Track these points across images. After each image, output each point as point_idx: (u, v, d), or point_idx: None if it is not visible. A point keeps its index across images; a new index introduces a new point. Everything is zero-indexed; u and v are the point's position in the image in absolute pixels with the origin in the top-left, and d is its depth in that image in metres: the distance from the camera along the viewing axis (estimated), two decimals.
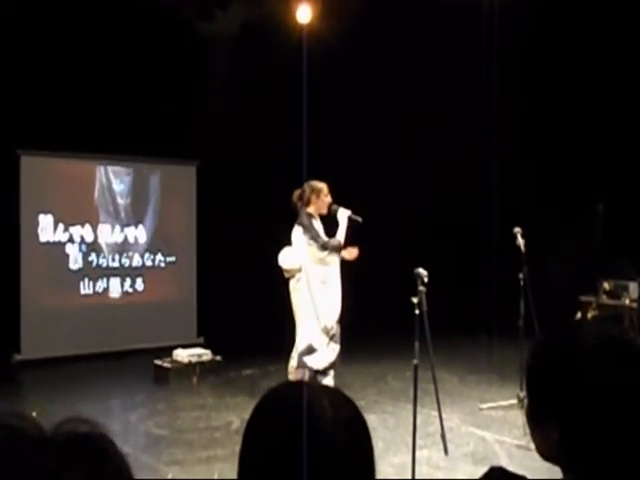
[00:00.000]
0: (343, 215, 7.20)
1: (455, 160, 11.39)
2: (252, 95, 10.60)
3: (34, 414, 0.93)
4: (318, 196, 7.17)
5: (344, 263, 7.28)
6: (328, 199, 7.22)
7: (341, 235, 7.14)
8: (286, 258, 7.25)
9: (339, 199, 7.35)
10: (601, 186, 10.85)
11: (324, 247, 7.04)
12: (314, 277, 7.07)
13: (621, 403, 1.28)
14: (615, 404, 1.28)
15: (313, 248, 7.05)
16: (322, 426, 1.13)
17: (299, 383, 1.27)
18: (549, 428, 1.34)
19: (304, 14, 9.35)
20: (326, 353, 7.10)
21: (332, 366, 7.18)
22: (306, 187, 7.15)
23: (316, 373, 7.02)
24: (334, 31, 9.51)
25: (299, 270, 7.16)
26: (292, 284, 7.28)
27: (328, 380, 7.06)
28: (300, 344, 7.10)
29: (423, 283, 5.50)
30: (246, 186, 10.83)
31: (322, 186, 7.21)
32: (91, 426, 0.91)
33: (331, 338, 7.11)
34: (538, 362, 1.42)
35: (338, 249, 7.11)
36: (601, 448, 1.29)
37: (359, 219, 7.17)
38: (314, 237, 7.05)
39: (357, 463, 1.16)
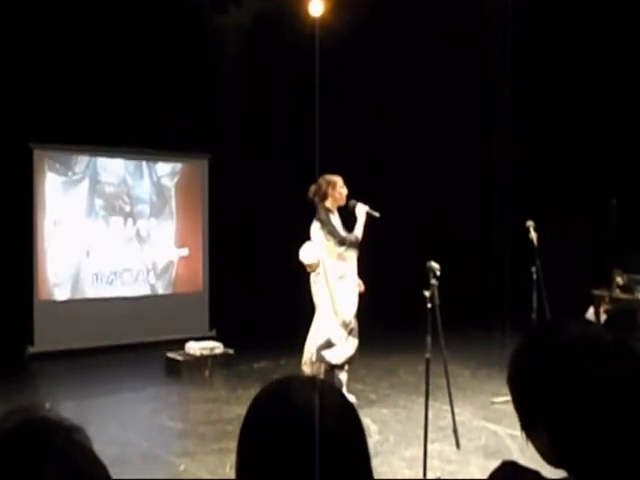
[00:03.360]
0: (361, 210, 7.18)
1: (469, 153, 11.35)
2: (264, 88, 10.60)
3: (47, 406, 0.94)
4: (334, 188, 7.15)
5: (359, 257, 7.26)
6: (344, 190, 7.20)
7: (359, 230, 7.12)
8: (306, 253, 7.24)
9: (351, 193, 7.33)
10: (615, 180, 10.79)
11: (342, 242, 7.03)
12: (332, 272, 7.06)
13: (603, 401, 1.28)
14: (597, 402, 1.28)
15: (331, 243, 7.05)
16: (308, 413, 1.14)
17: (293, 377, 1.28)
18: (539, 432, 1.34)
19: (316, 7, 9.30)
20: (345, 348, 7.09)
21: (350, 360, 7.18)
22: (321, 181, 7.13)
23: (332, 367, 7.02)
24: (346, 24, 9.48)
25: (319, 265, 7.15)
26: (312, 278, 7.28)
27: (343, 375, 7.06)
28: (319, 338, 7.08)
29: (435, 276, 5.48)
30: (258, 179, 10.82)
31: (337, 178, 7.19)
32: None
33: (349, 332, 7.10)
34: (518, 369, 1.42)
35: (356, 245, 7.10)
36: (590, 447, 1.29)
37: (377, 214, 7.15)
38: (332, 232, 7.04)
39: (351, 453, 1.17)
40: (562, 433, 1.31)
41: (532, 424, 1.37)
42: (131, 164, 10.90)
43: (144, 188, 11.02)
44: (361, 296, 7.23)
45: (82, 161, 10.45)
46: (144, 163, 11.00)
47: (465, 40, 10.19)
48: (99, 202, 10.59)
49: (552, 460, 1.36)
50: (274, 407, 1.18)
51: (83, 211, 10.44)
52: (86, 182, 10.47)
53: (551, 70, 11.14)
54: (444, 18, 10.23)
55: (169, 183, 11.27)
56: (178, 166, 11.33)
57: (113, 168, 10.74)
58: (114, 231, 10.72)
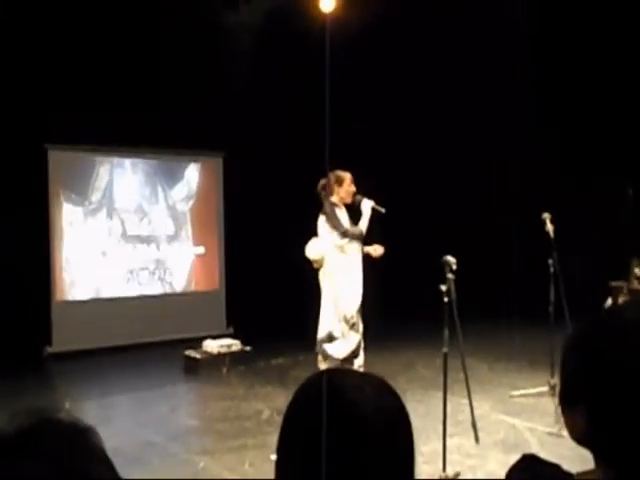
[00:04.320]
0: (367, 205, 7.17)
1: (483, 145, 11.31)
2: (276, 85, 10.59)
3: (67, 406, 0.94)
4: (341, 185, 7.15)
5: (371, 256, 7.24)
6: (352, 188, 7.18)
7: (363, 224, 7.10)
8: (310, 248, 7.25)
9: (364, 188, 7.32)
10: (631, 170, 10.72)
11: (344, 235, 7.01)
12: (335, 266, 7.06)
13: None
14: None
15: (334, 236, 7.05)
16: (362, 410, 1.12)
17: (342, 370, 1.27)
18: (579, 412, 1.33)
19: (327, 3, 9.28)
20: (346, 342, 7.09)
21: (354, 355, 7.16)
22: (331, 176, 7.14)
23: (341, 363, 7.01)
24: (358, 20, 9.45)
25: (324, 259, 7.15)
26: (320, 274, 7.28)
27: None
28: (320, 332, 7.11)
29: (451, 270, 5.46)
30: (272, 176, 10.83)
31: (346, 175, 7.18)
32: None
33: (351, 327, 7.09)
34: (574, 346, 1.41)
35: (359, 238, 7.08)
36: (628, 436, 1.27)
37: (382, 210, 7.13)
38: (335, 225, 7.04)
39: (396, 451, 1.15)
40: (602, 420, 1.29)
41: (572, 403, 1.35)
42: (146, 162, 10.93)
43: (159, 186, 11.08)
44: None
45: (96, 160, 10.51)
46: (159, 161, 11.04)
47: (477, 34, 10.14)
48: (115, 201, 10.65)
49: (582, 439, 1.34)
50: (321, 399, 1.13)
51: (98, 210, 10.50)
52: (101, 181, 10.53)
53: (567, 59, 11.07)
54: (454, 13, 10.18)
55: (184, 181, 11.32)
56: (193, 164, 11.36)
57: (127, 166, 10.78)
58: (130, 229, 10.78)
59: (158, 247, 11.04)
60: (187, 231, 11.38)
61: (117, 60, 9.83)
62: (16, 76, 9.27)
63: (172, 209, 11.22)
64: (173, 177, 11.26)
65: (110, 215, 10.59)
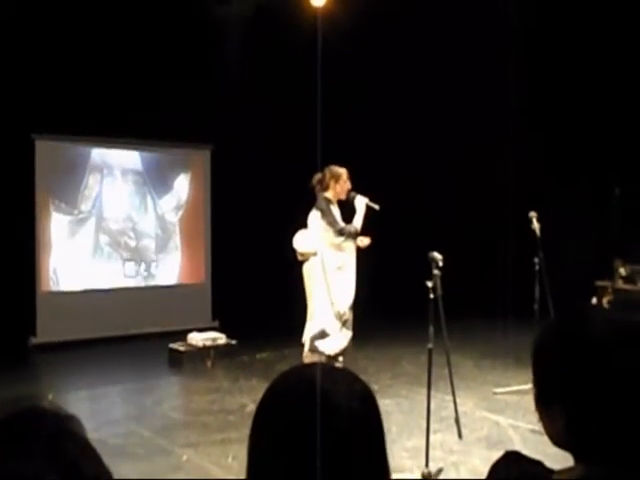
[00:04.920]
0: (361, 202, 7.17)
1: (470, 144, 11.33)
2: (267, 78, 10.57)
3: (50, 397, 0.94)
4: (337, 181, 7.14)
5: (360, 249, 7.26)
6: (347, 185, 7.18)
7: (358, 222, 7.11)
8: (301, 241, 7.24)
9: (355, 184, 7.33)
10: (618, 169, 10.77)
11: (340, 233, 7.03)
12: (329, 262, 7.06)
13: (629, 390, 1.27)
14: (622, 391, 1.28)
15: (329, 233, 7.04)
16: (336, 398, 1.14)
17: (311, 364, 1.29)
18: (556, 414, 1.33)
19: None
20: (339, 339, 7.11)
21: (343, 352, 7.19)
22: (326, 172, 7.12)
23: (328, 358, 7.03)
24: (349, 14, 9.44)
25: (314, 254, 7.15)
26: (306, 268, 7.27)
27: (338, 366, 7.05)
28: (313, 329, 7.11)
29: (437, 267, 5.48)
30: (260, 170, 10.81)
31: (342, 171, 7.17)
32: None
33: (344, 324, 7.11)
34: (547, 344, 1.42)
35: (354, 235, 7.09)
36: (606, 433, 1.28)
37: (376, 206, 7.14)
38: (331, 222, 7.04)
39: (371, 433, 1.17)
40: (582, 421, 1.30)
41: (549, 405, 1.36)
42: (132, 154, 10.89)
43: (146, 178, 11.04)
44: (363, 287, 7.23)
45: (83, 151, 10.47)
46: (146, 153, 11.00)
47: (470, 30, 10.14)
48: (100, 192, 10.61)
49: (560, 442, 1.35)
50: (295, 390, 1.17)
51: (84, 201, 10.46)
52: (87, 172, 10.49)
53: (555, 57, 11.09)
54: (446, 7, 10.18)
55: (171, 173, 11.28)
56: (180, 156, 11.32)
57: (114, 158, 10.74)
58: (116, 221, 10.75)
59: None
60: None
61: (106, 52, 9.77)
62: (3, 67, 9.21)
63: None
64: (160, 172, 11.23)
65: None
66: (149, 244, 11.10)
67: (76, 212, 10.38)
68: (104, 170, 10.63)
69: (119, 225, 10.80)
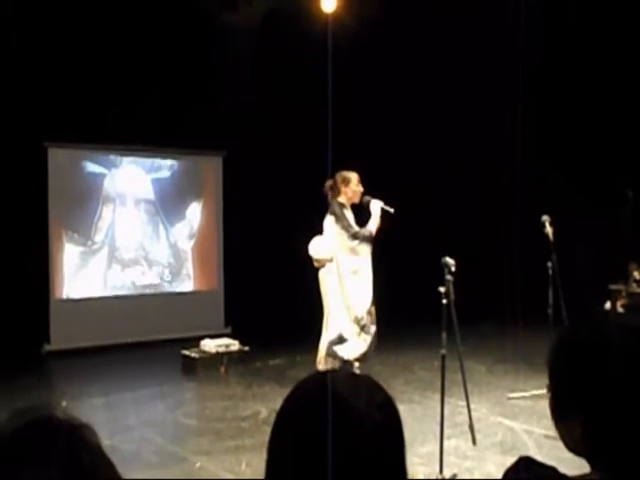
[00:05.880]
0: (375, 206, 7.18)
1: (482, 148, 11.30)
2: (277, 85, 10.59)
3: (64, 404, 0.94)
4: (348, 185, 7.17)
5: (373, 253, 7.25)
6: (359, 188, 7.21)
7: (373, 226, 7.12)
8: (317, 247, 7.24)
9: (368, 189, 7.33)
10: (631, 172, 10.72)
11: (355, 237, 7.04)
12: (345, 267, 7.06)
13: None
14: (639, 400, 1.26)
15: (344, 237, 7.05)
16: (357, 407, 1.13)
17: (331, 371, 1.28)
18: (572, 421, 1.32)
19: (329, 3, 9.29)
20: (357, 343, 7.09)
21: (363, 357, 7.16)
22: (337, 177, 7.16)
23: (344, 363, 7.02)
24: (359, 20, 9.46)
25: (330, 260, 7.15)
26: (321, 274, 7.27)
27: (355, 371, 7.05)
28: (331, 333, 7.09)
29: (450, 272, 5.46)
30: (272, 176, 10.82)
31: (352, 176, 7.20)
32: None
33: (362, 328, 7.09)
34: (562, 354, 1.41)
35: (369, 239, 7.10)
36: (624, 443, 1.27)
37: (391, 210, 7.14)
38: (345, 227, 7.05)
39: (392, 442, 1.17)
40: (598, 429, 1.29)
41: (565, 412, 1.35)
42: (144, 162, 10.92)
43: (158, 185, 11.07)
44: (376, 293, 7.21)
45: (96, 159, 10.50)
46: (158, 160, 11.03)
47: (480, 34, 10.13)
48: (114, 199, 10.64)
49: (577, 449, 1.34)
50: (316, 397, 1.15)
51: (97, 209, 10.50)
52: (100, 180, 10.53)
53: (566, 62, 11.07)
54: (457, 12, 10.18)
55: (184, 180, 11.31)
56: (192, 163, 11.35)
57: (126, 165, 10.77)
58: (129, 228, 10.78)
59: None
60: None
61: (117, 60, 9.81)
62: (16, 77, 9.26)
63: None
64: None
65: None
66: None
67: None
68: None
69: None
